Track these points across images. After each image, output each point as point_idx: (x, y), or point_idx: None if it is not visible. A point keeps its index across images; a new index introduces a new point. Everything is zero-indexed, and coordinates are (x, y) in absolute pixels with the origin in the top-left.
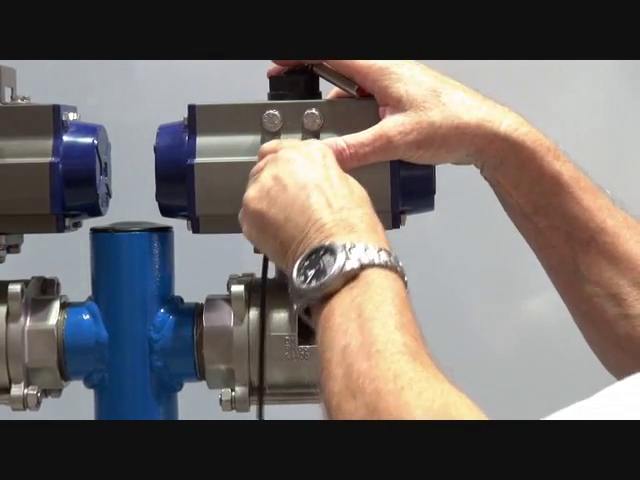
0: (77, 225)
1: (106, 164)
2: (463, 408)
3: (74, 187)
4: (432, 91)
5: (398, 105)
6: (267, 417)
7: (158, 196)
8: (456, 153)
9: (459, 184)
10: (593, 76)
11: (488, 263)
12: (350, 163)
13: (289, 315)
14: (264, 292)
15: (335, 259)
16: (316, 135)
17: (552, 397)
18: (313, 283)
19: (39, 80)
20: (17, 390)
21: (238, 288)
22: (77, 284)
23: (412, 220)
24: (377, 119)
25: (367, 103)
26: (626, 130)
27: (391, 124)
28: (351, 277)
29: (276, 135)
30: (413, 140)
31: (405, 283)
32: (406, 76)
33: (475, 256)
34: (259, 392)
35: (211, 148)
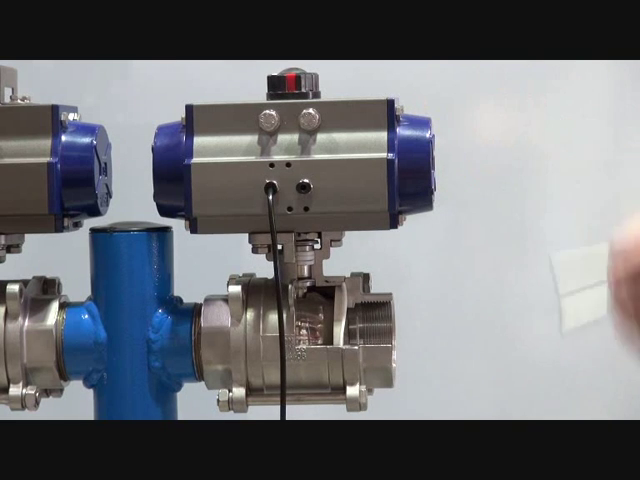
0: (77, 225)
1: (106, 164)
2: None
3: (72, 187)
4: None
5: None
6: (265, 417)
7: (156, 196)
8: None
9: (460, 184)
10: (593, 76)
11: (488, 264)
12: None
13: (286, 316)
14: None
15: None
16: (313, 134)
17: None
18: None
19: (39, 80)
20: (15, 390)
21: (235, 289)
22: (78, 284)
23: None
24: (375, 120)
25: (366, 103)
26: (626, 130)
27: None
28: None
29: (273, 135)
30: None
31: None
32: None
33: (474, 257)
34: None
35: (208, 148)
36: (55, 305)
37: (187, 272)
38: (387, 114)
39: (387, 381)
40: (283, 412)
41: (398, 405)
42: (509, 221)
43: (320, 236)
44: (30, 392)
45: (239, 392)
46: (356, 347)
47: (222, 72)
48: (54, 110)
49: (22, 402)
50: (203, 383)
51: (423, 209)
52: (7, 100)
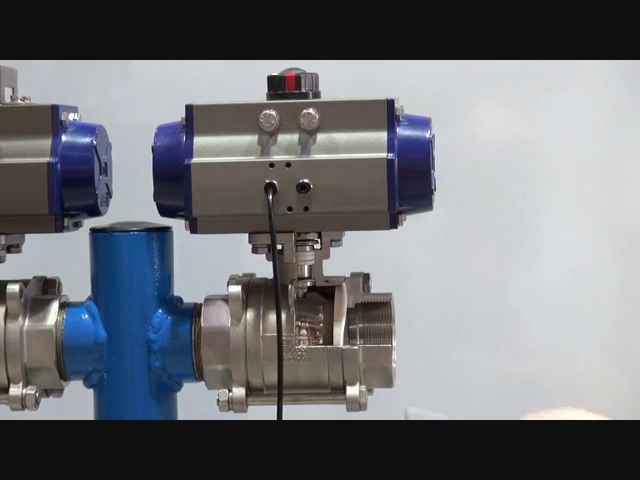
0: (77, 225)
1: (106, 164)
2: None
3: (72, 187)
4: None
5: None
6: (265, 417)
7: (156, 196)
8: None
9: (460, 184)
10: (593, 76)
11: (487, 264)
12: None
13: (286, 316)
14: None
15: None
16: (313, 134)
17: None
18: None
19: (39, 80)
20: (15, 390)
21: (235, 289)
22: (78, 284)
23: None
24: (375, 119)
25: (366, 103)
26: (625, 130)
27: None
28: None
29: (273, 135)
30: None
31: None
32: None
33: (474, 257)
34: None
35: (208, 148)
36: (55, 305)
37: (187, 272)
38: (387, 114)
39: (387, 381)
40: (280, 412)
41: (398, 405)
42: (509, 221)
43: (320, 236)
44: (30, 392)
45: (239, 392)
46: (356, 347)
47: (222, 72)
48: (54, 110)
49: (22, 402)
50: (203, 383)
51: (423, 209)
52: (7, 100)
